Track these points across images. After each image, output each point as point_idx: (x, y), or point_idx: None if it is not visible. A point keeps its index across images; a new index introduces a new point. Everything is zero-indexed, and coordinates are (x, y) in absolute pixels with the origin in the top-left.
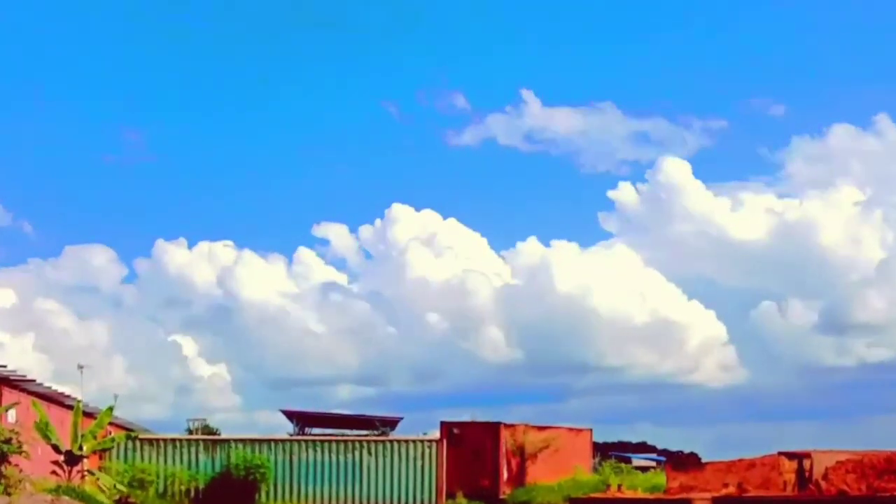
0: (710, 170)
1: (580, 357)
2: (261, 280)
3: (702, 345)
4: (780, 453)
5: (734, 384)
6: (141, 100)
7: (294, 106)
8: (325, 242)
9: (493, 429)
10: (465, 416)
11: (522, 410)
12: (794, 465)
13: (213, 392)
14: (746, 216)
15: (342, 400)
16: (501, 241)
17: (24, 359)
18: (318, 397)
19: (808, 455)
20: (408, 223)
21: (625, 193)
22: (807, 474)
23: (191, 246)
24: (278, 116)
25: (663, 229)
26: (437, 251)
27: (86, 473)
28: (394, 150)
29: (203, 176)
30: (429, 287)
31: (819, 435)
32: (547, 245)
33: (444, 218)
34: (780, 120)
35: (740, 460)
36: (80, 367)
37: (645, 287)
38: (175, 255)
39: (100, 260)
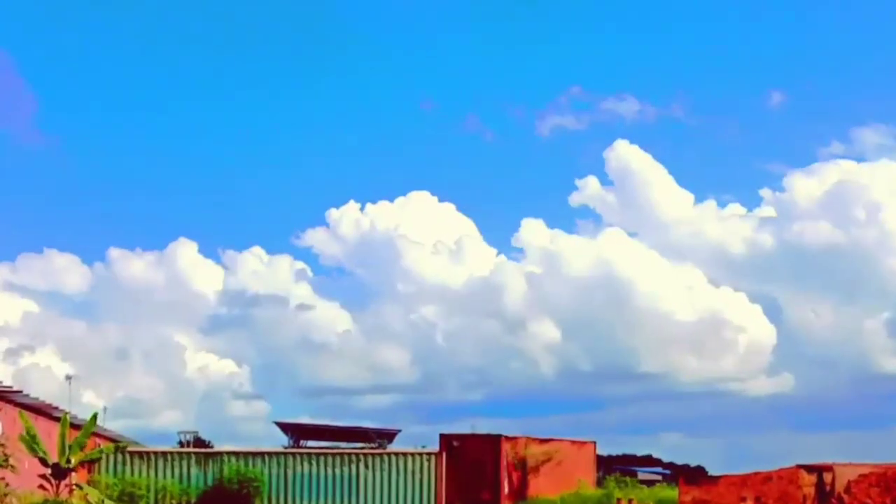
0: (709, 169)
1: (621, 363)
2: (263, 281)
3: (749, 348)
4: (800, 466)
5: (778, 392)
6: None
7: (277, 109)
8: (318, 248)
9: (493, 441)
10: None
11: (558, 421)
12: (813, 478)
13: (226, 396)
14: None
15: (364, 408)
16: (498, 235)
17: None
18: (342, 406)
19: (829, 468)
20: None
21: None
22: (828, 488)
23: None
24: (266, 117)
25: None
26: (435, 249)
27: (74, 487)
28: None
29: (180, 177)
30: (442, 287)
31: (857, 446)
32: (550, 239)
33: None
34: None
35: (756, 473)
36: (69, 377)
37: (691, 284)
38: (133, 262)
39: (60, 264)
